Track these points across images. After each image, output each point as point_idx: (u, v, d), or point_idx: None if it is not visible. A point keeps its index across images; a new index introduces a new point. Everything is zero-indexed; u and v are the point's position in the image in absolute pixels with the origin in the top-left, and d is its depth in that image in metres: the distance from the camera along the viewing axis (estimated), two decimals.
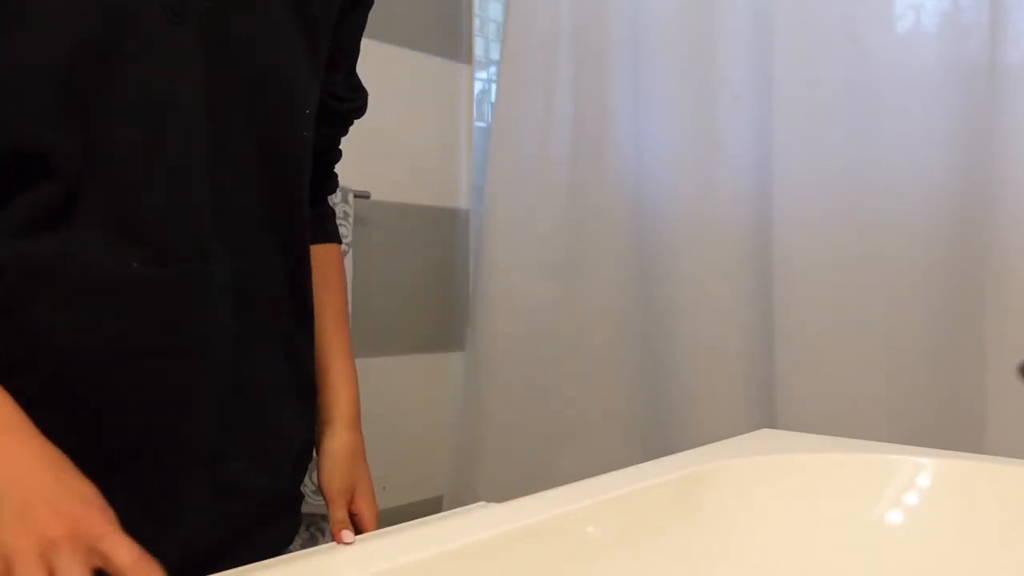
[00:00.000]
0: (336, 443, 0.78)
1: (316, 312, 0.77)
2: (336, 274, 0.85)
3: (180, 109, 0.61)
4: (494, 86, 1.75)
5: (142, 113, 0.60)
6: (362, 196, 1.54)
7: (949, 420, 1.15)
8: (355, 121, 0.86)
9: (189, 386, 0.63)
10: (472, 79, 1.81)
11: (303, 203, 0.74)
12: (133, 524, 0.49)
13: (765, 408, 1.34)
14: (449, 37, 1.77)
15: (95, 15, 0.57)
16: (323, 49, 0.74)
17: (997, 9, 1.11)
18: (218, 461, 0.66)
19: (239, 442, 0.68)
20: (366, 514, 0.76)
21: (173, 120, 0.61)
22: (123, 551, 0.46)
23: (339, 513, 0.74)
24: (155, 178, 0.60)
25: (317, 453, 0.79)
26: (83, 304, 0.58)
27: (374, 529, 0.73)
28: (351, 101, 0.83)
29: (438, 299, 1.77)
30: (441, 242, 1.77)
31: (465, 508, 0.85)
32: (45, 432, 0.52)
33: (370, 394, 1.59)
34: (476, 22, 1.82)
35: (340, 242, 0.88)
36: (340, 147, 0.87)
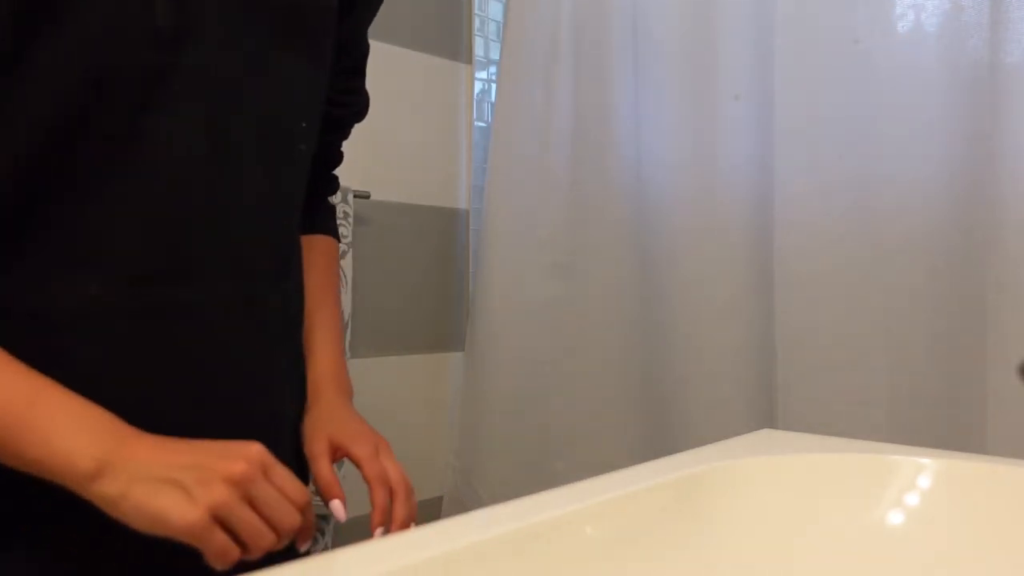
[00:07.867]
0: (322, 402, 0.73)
1: (306, 292, 0.75)
2: (328, 260, 0.82)
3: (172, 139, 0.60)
4: (494, 86, 1.75)
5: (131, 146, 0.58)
6: (362, 196, 1.54)
7: (949, 420, 1.15)
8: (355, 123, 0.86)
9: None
10: (472, 79, 1.81)
11: (296, 219, 0.73)
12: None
13: (765, 408, 1.34)
14: (449, 37, 1.77)
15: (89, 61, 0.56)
16: (325, 55, 0.72)
17: (997, 9, 1.11)
18: None
19: None
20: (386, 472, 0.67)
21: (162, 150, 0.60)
22: None
23: (324, 469, 0.66)
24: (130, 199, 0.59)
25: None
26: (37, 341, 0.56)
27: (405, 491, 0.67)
28: (349, 106, 0.82)
29: (438, 299, 1.77)
30: (441, 242, 1.77)
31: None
32: None
33: (370, 394, 1.60)
34: (476, 22, 1.82)
35: (338, 239, 0.87)
36: (341, 150, 0.86)
